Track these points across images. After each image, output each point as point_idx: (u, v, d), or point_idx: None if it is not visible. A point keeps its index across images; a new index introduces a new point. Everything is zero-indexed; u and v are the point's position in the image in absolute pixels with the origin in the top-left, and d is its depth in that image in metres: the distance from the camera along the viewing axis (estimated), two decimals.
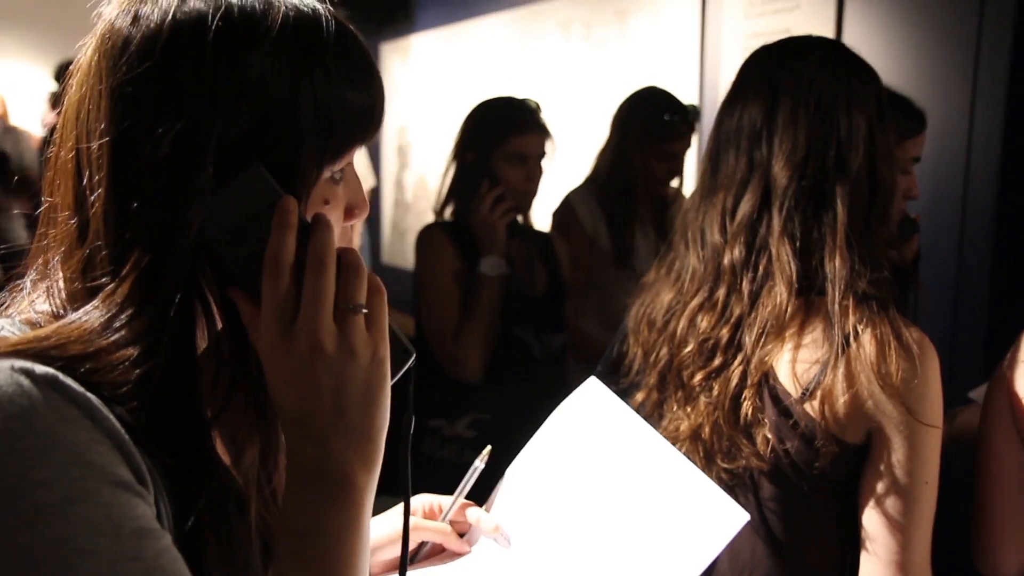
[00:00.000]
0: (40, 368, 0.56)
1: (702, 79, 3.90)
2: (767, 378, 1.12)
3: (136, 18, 0.63)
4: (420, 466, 1.05)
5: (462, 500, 0.94)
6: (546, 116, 2.17)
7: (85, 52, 0.66)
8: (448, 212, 2.18)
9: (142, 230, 0.61)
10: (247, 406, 0.67)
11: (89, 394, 0.57)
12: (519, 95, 2.20)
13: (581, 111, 4.27)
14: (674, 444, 1.19)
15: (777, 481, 1.13)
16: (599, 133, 3.07)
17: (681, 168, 2.47)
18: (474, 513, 0.94)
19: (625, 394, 1.32)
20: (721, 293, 1.16)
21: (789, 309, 1.10)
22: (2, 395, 0.54)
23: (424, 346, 2.13)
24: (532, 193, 2.16)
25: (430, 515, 0.95)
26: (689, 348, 1.18)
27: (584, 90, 4.69)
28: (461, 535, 0.95)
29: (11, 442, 0.53)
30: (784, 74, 1.17)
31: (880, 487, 1.07)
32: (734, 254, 1.15)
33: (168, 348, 0.61)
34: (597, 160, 2.49)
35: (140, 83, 0.61)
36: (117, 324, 0.61)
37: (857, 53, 1.22)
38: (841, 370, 1.06)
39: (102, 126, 0.62)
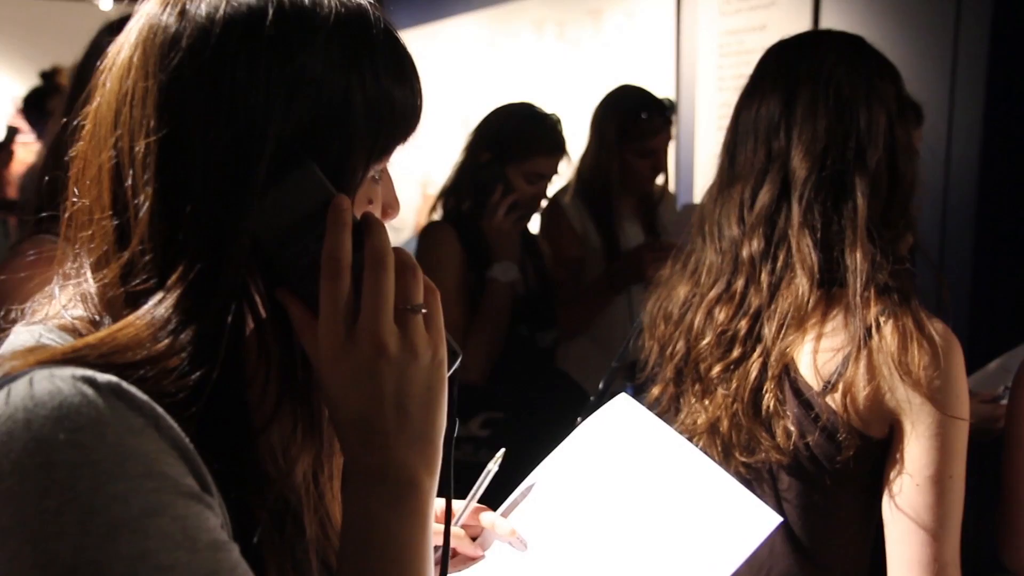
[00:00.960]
0: (103, 376, 0.54)
1: (678, 76, 3.90)
2: (788, 370, 1.11)
3: (183, 12, 0.60)
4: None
5: (475, 504, 0.92)
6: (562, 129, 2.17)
7: (122, 49, 0.63)
8: (450, 202, 2.14)
9: (195, 233, 0.59)
10: (297, 414, 0.65)
11: (153, 402, 0.55)
12: (543, 107, 2.19)
13: (556, 111, 4.24)
14: (691, 438, 1.18)
15: (797, 475, 1.12)
16: (575, 132, 3.06)
17: (664, 164, 2.46)
18: (488, 517, 0.92)
19: (641, 389, 1.30)
20: (739, 285, 1.15)
21: (811, 301, 1.08)
22: (69, 406, 0.52)
23: None
24: (537, 207, 2.19)
25: (440, 519, 0.92)
26: (706, 340, 1.16)
27: (559, 89, 4.67)
28: (473, 539, 0.93)
29: (83, 455, 0.51)
30: (804, 66, 1.16)
31: (904, 482, 1.06)
32: (752, 246, 1.13)
33: (222, 355, 0.59)
34: (580, 162, 2.48)
35: (191, 80, 0.59)
36: (169, 330, 0.59)
37: (877, 48, 1.21)
38: (863, 362, 1.05)
39: (150, 124, 0.59)
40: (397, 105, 0.64)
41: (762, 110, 1.17)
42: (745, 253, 1.14)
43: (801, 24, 3.33)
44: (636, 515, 0.85)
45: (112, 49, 0.64)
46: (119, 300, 0.60)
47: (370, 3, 0.65)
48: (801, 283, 1.09)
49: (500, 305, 2.05)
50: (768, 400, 1.10)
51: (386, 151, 0.66)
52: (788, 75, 1.17)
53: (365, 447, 0.62)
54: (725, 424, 1.13)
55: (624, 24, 4.27)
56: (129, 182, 0.60)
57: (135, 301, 0.60)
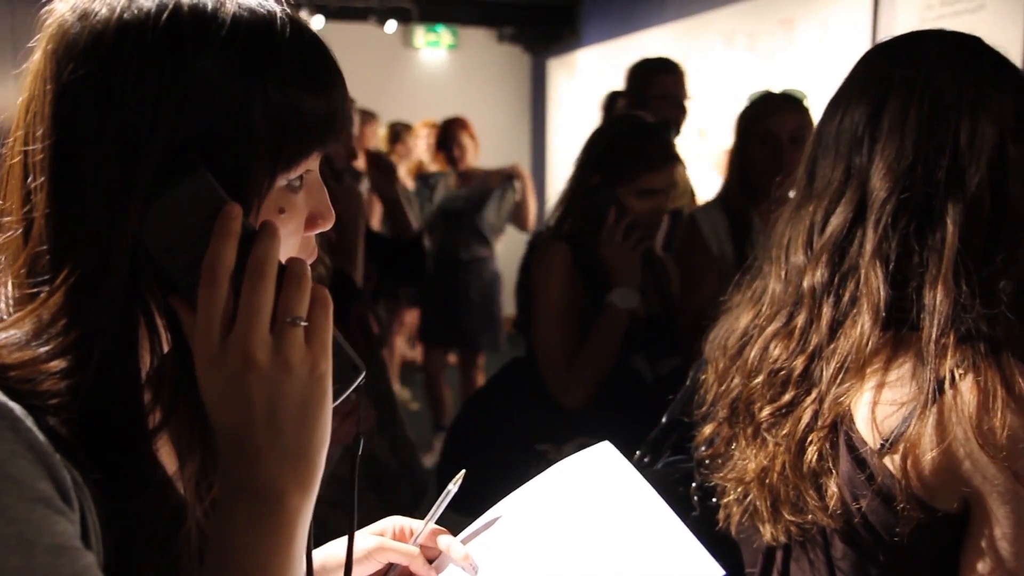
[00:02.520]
0: None
1: None
2: (841, 421, 0.96)
3: (84, 16, 0.61)
4: None
5: (432, 525, 0.90)
6: (677, 140, 2.06)
7: (35, 52, 0.64)
8: (565, 221, 2.08)
9: (79, 235, 0.60)
10: (189, 420, 0.64)
11: (12, 404, 0.55)
12: (649, 119, 2.09)
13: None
14: (739, 487, 1.06)
15: (851, 543, 0.97)
16: None
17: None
18: (445, 540, 0.89)
19: (693, 427, 1.19)
20: (800, 319, 1.01)
21: (871, 343, 0.93)
22: None
23: (532, 367, 2.05)
24: (659, 223, 2.08)
25: (400, 538, 0.91)
26: (760, 379, 1.03)
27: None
28: (430, 561, 0.91)
29: None
30: (898, 70, 1.00)
31: (983, 569, 0.88)
32: (816, 276, 0.99)
33: (103, 359, 0.60)
34: (724, 175, 2.34)
35: (84, 84, 0.59)
36: (50, 333, 0.59)
37: (1001, 52, 1.03)
38: (931, 420, 0.88)
39: (45, 128, 0.61)
40: (305, 114, 0.62)
41: (845, 121, 1.01)
42: (807, 284, 1.00)
43: (1014, 30, 2.96)
44: (586, 556, 0.83)
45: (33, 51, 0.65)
46: (25, 300, 0.62)
47: (284, 10, 0.64)
48: (863, 321, 0.94)
49: (614, 332, 1.96)
50: (812, 453, 0.95)
51: (294, 160, 0.64)
52: (879, 80, 1.00)
53: (236, 460, 0.61)
54: (774, 476, 1.00)
55: (818, 34, 3.99)
56: (29, 183, 0.62)
57: (32, 301, 0.61)
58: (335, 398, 0.65)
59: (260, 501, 0.60)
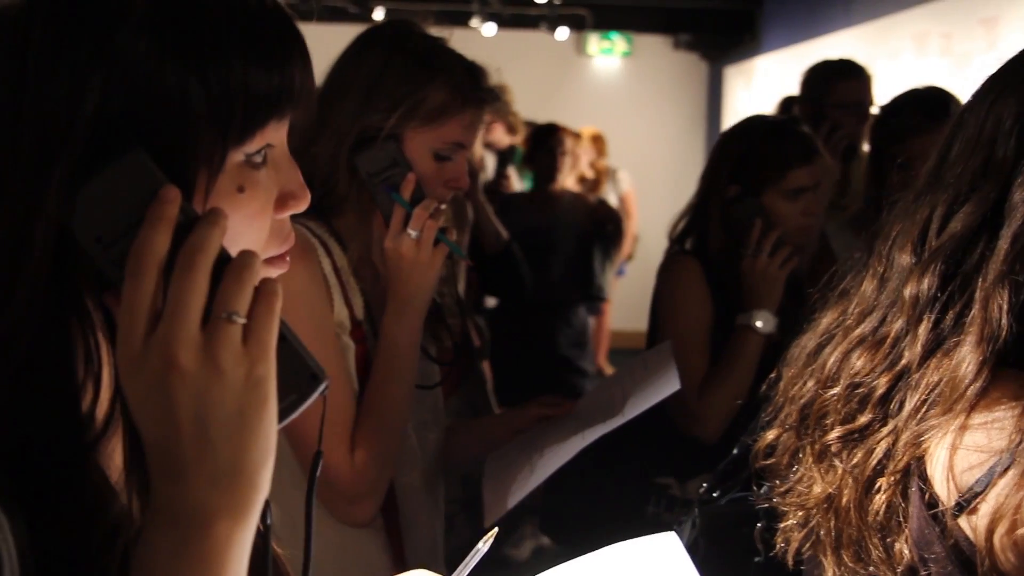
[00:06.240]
0: None
1: None
2: (917, 466, 0.81)
3: None
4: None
5: None
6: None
7: None
8: (694, 235, 1.94)
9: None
10: (130, 430, 0.57)
11: None
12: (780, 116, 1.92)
13: None
14: (802, 510, 0.93)
15: None
16: None
17: None
18: None
19: (751, 432, 1.08)
20: (893, 330, 0.86)
21: (974, 383, 0.76)
22: None
23: None
24: (813, 228, 1.88)
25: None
26: (836, 390, 0.89)
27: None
28: None
29: None
30: None
31: None
32: (923, 284, 0.83)
33: (25, 367, 0.55)
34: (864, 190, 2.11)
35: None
36: None
37: None
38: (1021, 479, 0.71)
39: None
40: (254, 90, 0.57)
41: (993, 110, 0.84)
42: (909, 291, 0.84)
43: None
44: None
45: None
46: None
47: None
48: (967, 352, 0.78)
49: (752, 360, 1.79)
50: (880, 502, 0.81)
51: (248, 134, 0.58)
52: None
53: (160, 476, 0.54)
54: (839, 508, 0.86)
55: None
56: None
57: None
58: (291, 410, 0.57)
59: (184, 526, 0.53)
